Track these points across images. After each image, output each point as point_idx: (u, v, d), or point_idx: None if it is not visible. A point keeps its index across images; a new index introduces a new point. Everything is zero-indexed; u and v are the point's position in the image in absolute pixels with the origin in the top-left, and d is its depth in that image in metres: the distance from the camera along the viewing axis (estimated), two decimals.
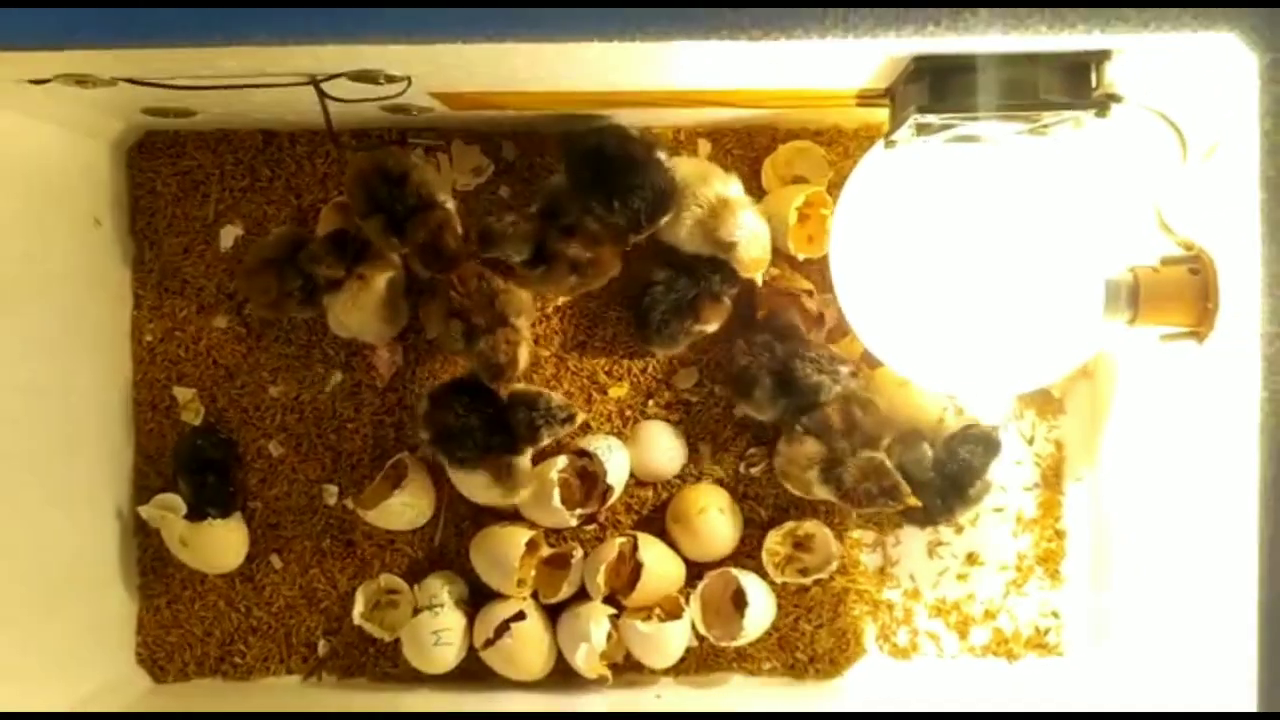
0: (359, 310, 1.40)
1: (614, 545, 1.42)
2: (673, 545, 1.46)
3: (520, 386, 1.38)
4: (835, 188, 1.42)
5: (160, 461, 1.50)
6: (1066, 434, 1.54)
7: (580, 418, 1.37)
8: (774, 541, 1.50)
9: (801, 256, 1.47)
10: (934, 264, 1.29)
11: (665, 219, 1.39)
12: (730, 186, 1.42)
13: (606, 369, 1.50)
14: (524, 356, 1.39)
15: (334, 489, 1.49)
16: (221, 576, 1.49)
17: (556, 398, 1.36)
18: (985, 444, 1.42)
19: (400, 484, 1.41)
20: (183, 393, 1.50)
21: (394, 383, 1.50)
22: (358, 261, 1.44)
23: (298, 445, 1.50)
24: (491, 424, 1.35)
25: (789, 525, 1.51)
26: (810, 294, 1.48)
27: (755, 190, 1.51)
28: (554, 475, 1.40)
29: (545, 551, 1.46)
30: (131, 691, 1.47)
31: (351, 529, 1.49)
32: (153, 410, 1.50)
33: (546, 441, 1.36)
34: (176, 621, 1.50)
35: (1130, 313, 1.19)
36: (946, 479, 1.40)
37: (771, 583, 1.46)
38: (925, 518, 1.43)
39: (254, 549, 1.49)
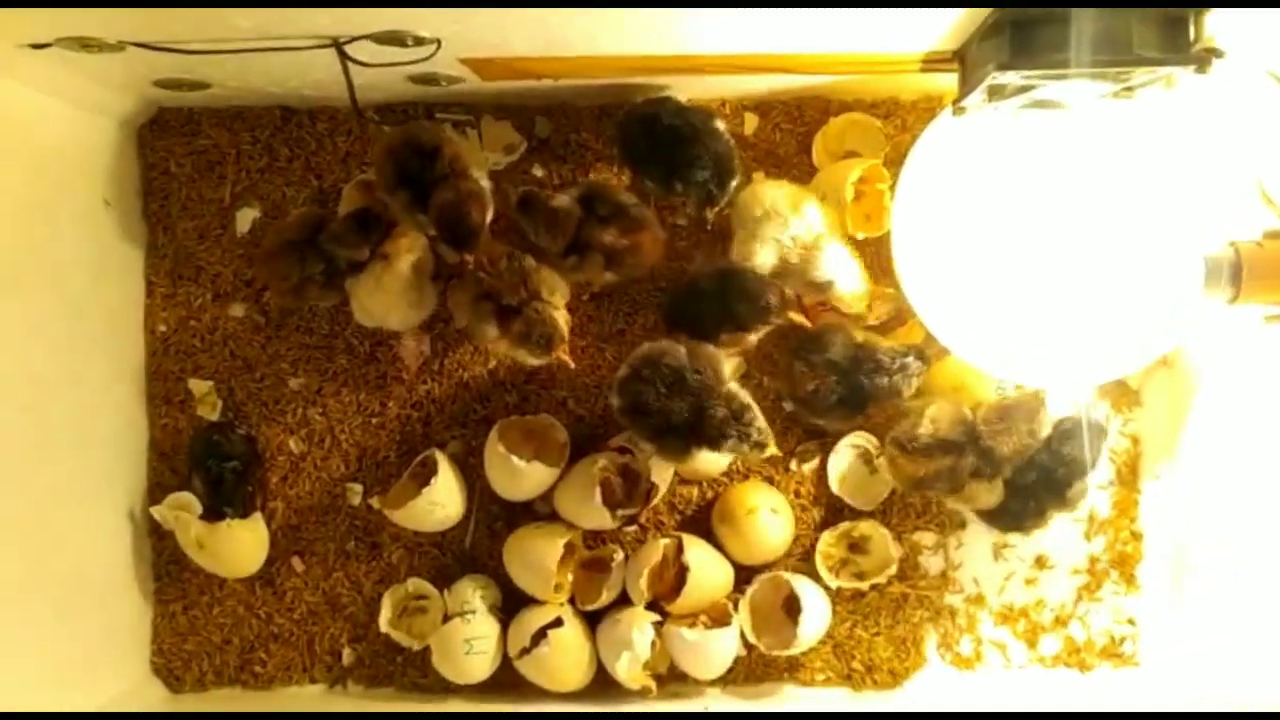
0: (383, 294, 1.34)
1: (657, 547, 1.37)
2: (720, 548, 1.41)
3: (735, 388, 1.28)
4: (892, 164, 1.36)
5: (175, 459, 1.45)
6: (1144, 427, 1.46)
7: (770, 451, 1.28)
8: (828, 544, 1.43)
9: (860, 236, 1.39)
10: (1007, 242, 1.20)
11: (734, 184, 1.33)
12: (819, 217, 1.34)
13: None
14: (562, 321, 1.31)
15: (358, 488, 1.45)
16: (240, 581, 1.45)
17: (762, 420, 1.27)
18: (1093, 433, 1.30)
19: (429, 482, 1.35)
20: (198, 385, 1.45)
21: (422, 374, 1.45)
22: (381, 242, 1.36)
23: (320, 441, 1.45)
24: (688, 409, 1.26)
25: (844, 526, 1.43)
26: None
27: (805, 166, 1.44)
28: (594, 473, 1.36)
29: (584, 554, 1.42)
30: (146, 702, 1.42)
31: (377, 530, 1.45)
32: (167, 404, 1.46)
33: (725, 452, 1.28)
34: (193, 628, 1.46)
35: (1232, 291, 1.10)
36: (1044, 480, 1.29)
37: (825, 587, 1.41)
38: (1011, 522, 1.33)
39: (274, 551, 1.44)
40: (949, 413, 1.29)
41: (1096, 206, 1.16)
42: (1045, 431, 1.26)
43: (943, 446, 1.27)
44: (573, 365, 1.33)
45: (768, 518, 1.39)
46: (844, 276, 1.33)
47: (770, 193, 1.33)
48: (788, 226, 1.31)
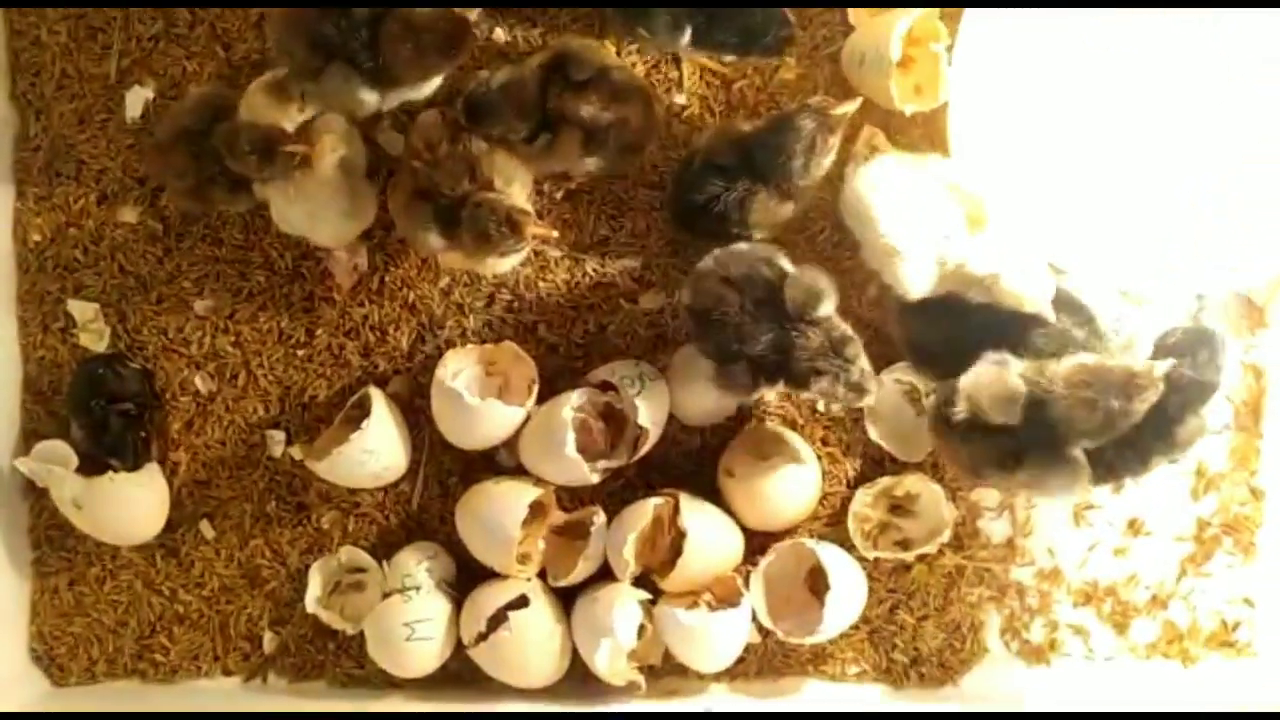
0: (305, 202, 1.17)
1: (648, 508, 1.22)
2: (727, 508, 1.26)
3: (833, 318, 1.09)
4: (951, 19, 1.16)
5: (54, 399, 1.32)
6: (1271, 356, 1.27)
7: (868, 400, 1.11)
8: (864, 504, 1.26)
9: (908, 110, 1.18)
10: (1098, 115, 1.07)
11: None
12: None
13: (636, 272, 1.27)
14: (522, 199, 1.13)
15: (280, 435, 1.31)
16: (137, 550, 1.31)
17: (865, 359, 1.10)
18: (1207, 346, 1.07)
19: (362, 426, 1.21)
20: (81, 309, 1.31)
21: (357, 294, 1.29)
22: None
23: (233, 378, 1.31)
24: (770, 340, 1.09)
25: (885, 482, 1.25)
26: None
27: (838, 23, 1.24)
28: (567, 414, 1.19)
29: (556, 517, 1.28)
30: (23, 696, 1.31)
31: (304, 488, 1.31)
32: (43, 332, 1.32)
33: (813, 394, 1.11)
34: (80, 607, 1.33)
35: None
36: (1149, 414, 1.06)
37: (861, 559, 1.26)
38: (1103, 472, 1.09)
39: (178, 514, 1.31)
40: (993, 387, 1.06)
41: (1215, 65, 1.01)
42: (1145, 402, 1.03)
43: (985, 430, 1.06)
44: (555, 234, 1.17)
45: (787, 471, 1.22)
46: (1014, 262, 1.08)
47: (894, 169, 1.12)
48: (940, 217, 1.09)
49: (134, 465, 1.25)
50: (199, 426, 1.30)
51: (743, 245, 1.12)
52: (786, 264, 1.10)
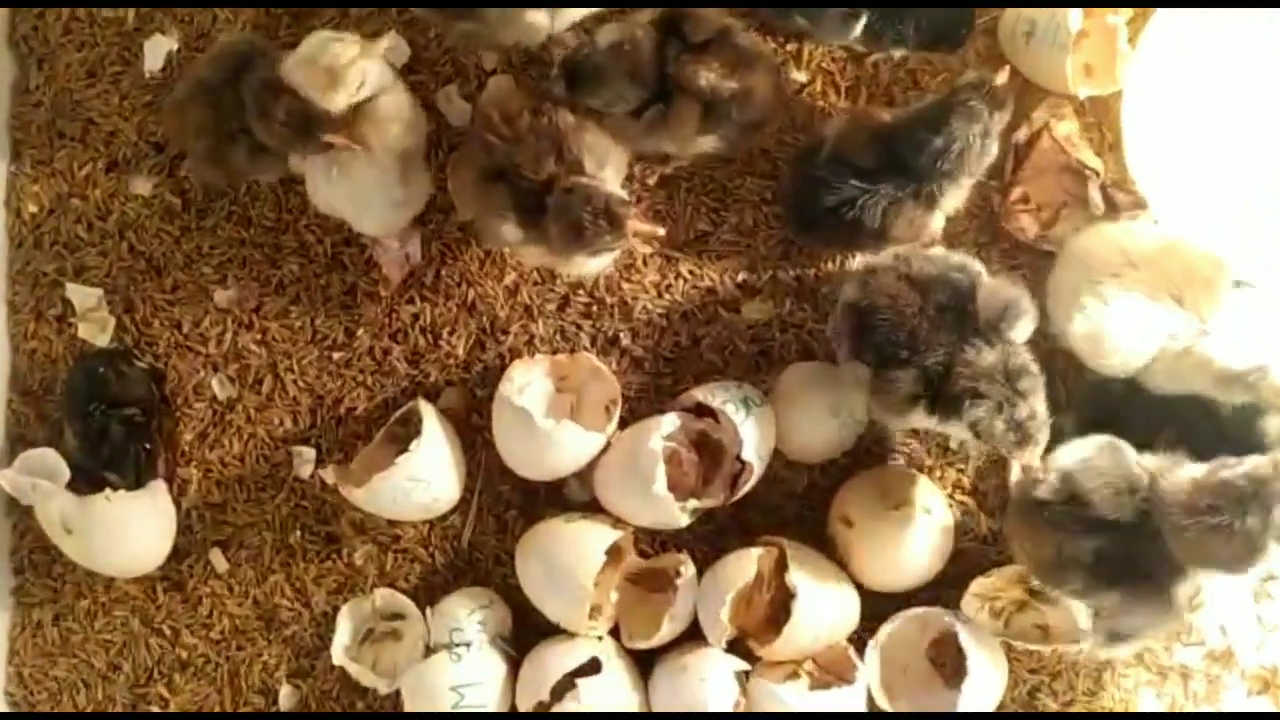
0: (350, 185, 1.08)
1: (750, 560, 1.11)
2: (842, 564, 1.15)
3: (1020, 345, 0.98)
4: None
5: (45, 400, 1.25)
6: None
7: (1031, 457, 0.96)
8: (987, 586, 1.10)
9: (1082, 93, 1.06)
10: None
11: None
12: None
13: (739, 276, 1.16)
14: (616, 185, 1.02)
15: (310, 453, 1.22)
16: (135, 582, 1.24)
17: (1040, 402, 0.97)
18: None
19: (410, 447, 1.12)
20: (82, 294, 1.23)
21: (407, 289, 1.20)
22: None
23: (257, 382, 1.23)
24: (952, 347, 0.96)
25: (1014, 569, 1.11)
26: (1095, 175, 1.09)
27: None
28: (657, 444, 1.08)
29: (632, 563, 1.18)
30: None
31: (335, 516, 1.23)
32: (35, 320, 1.25)
33: (963, 426, 0.98)
34: (66, 647, 1.26)
35: None
36: None
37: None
38: None
39: (184, 541, 1.23)
40: (1103, 467, 0.95)
41: None
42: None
43: (1084, 521, 0.94)
44: (661, 231, 1.04)
45: (917, 521, 1.09)
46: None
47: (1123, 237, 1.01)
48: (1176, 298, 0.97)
49: (136, 482, 1.18)
50: (214, 439, 1.22)
51: (938, 249, 0.99)
52: (979, 272, 0.96)
